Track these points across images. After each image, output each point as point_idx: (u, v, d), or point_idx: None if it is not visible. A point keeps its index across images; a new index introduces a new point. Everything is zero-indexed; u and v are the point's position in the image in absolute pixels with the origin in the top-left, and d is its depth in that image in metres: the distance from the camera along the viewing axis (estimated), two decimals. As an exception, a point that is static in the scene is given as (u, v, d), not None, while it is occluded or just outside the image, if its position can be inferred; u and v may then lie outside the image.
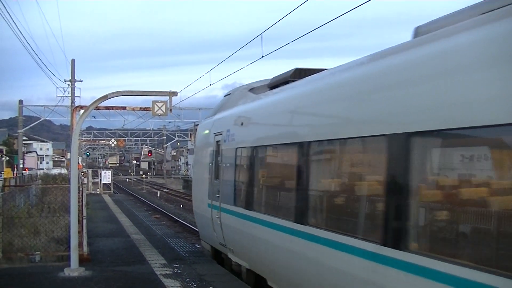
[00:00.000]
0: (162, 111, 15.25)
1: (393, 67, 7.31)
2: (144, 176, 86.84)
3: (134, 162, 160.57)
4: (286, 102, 11.08)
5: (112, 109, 19.59)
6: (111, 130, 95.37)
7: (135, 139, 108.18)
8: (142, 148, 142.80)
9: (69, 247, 14.17)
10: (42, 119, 55.26)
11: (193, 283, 12.48)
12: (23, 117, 53.70)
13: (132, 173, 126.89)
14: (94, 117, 59.29)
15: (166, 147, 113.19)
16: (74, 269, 13.55)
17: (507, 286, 4.74)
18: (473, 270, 5.21)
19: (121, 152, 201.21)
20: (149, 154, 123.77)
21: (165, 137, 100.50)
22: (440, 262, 5.65)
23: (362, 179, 8.09)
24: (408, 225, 6.31)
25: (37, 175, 51.13)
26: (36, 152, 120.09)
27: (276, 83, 12.85)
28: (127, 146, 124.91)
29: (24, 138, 62.42)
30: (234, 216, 12.89)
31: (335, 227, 8.20)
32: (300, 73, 11.70)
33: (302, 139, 9.38)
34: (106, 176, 56.29)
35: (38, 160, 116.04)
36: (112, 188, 57.60)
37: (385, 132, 6.85)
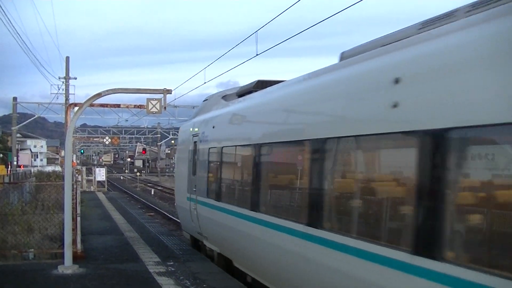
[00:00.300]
0: (156, 108, 15.26)
1: (314, 86, 9.52)
2: (138, 174, 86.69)
3: (128, 159, 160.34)
4: (245, 110, 13.12)
5: (107, 107, 19.51)
6: (106, 127, 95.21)
7: (129, 137, 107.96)
8: (136, 145, 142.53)
9: (63, 244, 14.17)
10: (36, 116, 55.10)
11: (187, 281, 12.50)
12: (17, 114, 53.53)
13: (126, 171, 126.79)
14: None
15: (160, 145, 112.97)
16: (68, 267, 13.56)
17: (380, 250, 6.69)
18: (361, 241, 7.15)
19: (115, 150, 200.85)
20: (143, 152, 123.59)
21: (160, 135, 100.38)
22: (343, 237, 7.62)
23: (292, 174, 10.23)
24: (321, 209, 8.37)
25: (31, 172, 51.03)
26: (30, 150, 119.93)
27: (242, 93, 14.59)
28: (122, 144, 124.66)
29: (18, 135, 62.29)
30: (207, 207, 14.77)
31: (277, 213, 10.24)
32: (262, 85, 13.36)
33: (254, 141, 11.41)
34: (100, 174, 56.13)
35: (32, 158, 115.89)
36: (106, 186, 57.47)
37: (308, 138, 8.87)
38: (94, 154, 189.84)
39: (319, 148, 8.45)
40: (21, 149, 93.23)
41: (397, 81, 6.65)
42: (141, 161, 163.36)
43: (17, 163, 54.86)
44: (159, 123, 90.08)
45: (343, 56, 9.21)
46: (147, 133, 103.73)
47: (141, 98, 18.22)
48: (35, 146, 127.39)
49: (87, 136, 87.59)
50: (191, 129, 17.60)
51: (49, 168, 66.97)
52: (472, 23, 6.04)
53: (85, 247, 16.24)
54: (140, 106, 17.28)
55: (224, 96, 16.11)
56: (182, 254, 16.00)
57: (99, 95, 14.81)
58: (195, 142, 16.69)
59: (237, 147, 13.17)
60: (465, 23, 6.21)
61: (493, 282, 4.97)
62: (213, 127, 15.07)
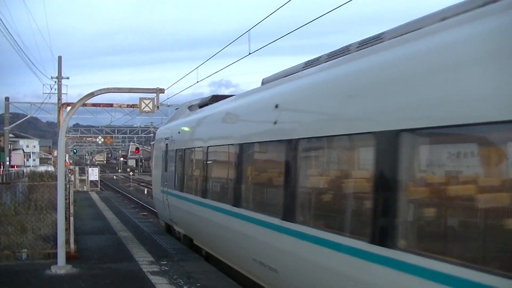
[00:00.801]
0: (149, 108, 15.22)
1: (237, 105, 13.20)
2: (131, 173, 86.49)
3: (121, 159, 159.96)
4: (199, 120, 16.73)
5: (99, 106, 19.46)
6: (98, 127, 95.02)
7: (122, 136, 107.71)
8: (129, 145, 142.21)
9: (56, 244, 14.14)
10: (28, 116, 54.91)
11: (181, 280, 12.51)
12: (9, 114, 53.32)
13: (120, 170, 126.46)
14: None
15: (153, 144, 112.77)
16: (61, 267, 13.54)
17: (265, 218, 10.03)
18: (258, 213, 10.49)
19: (108, 149, 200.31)
20: (136, 151, 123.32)
21: (153, 134, 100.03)
22: (250, 211, 10.94)
23: (226, 170, 13.31)
24: (240, 194, 11.72)
25: (23, 172, 50.82)
26: (23, 149, 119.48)
27: (201, 104, 18.10)
28: (114, 143, 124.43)
29: (11, 135, 61.96)
30: (175, 197, 18.31)
31: (218, 198, 13.54)
32: (216, 98, 16.75)
33: (204, 145, 14.97)
34: (93, 174, 55.99)
35: (24, 157, 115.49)
36: (99, 186, 57.35)
37: (233, 143, 12.34)
38: (87, 154, 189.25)
39: (238, 151, 11.90)
40: (13, 149, 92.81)
41: (276, 106, 10.04)
42: (134, 160, 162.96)
43: (9, 163, 54.69)
44: (152, 122, 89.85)
45: (263, 82, 12.69)
46: (140, 133, 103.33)
47: (133, 98, 18.44)
48: (27, 146, 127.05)
49: (80, 136, 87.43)
50: (164, 133, 21.53)
51: (42, 168, 66.65)
52: (304, 74, 9.86)
53: (78, 247, 16.21)
54: (133, 106, 17.23)
55: (190, 106, 19.54)
56: (175, 253, 16.01)
57: (91, 95, 14.75)
58: (166, 144, 20.41)
59: (193, 149, 16.62)
60: (299, 75, 10.10)
61: (324, 235, 7.96)
62: (179, 132, 18.61)
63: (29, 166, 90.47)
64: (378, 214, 6.76)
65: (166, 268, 13.85)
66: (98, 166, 71.12)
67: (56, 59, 46.73)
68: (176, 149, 18.55)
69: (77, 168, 59.84)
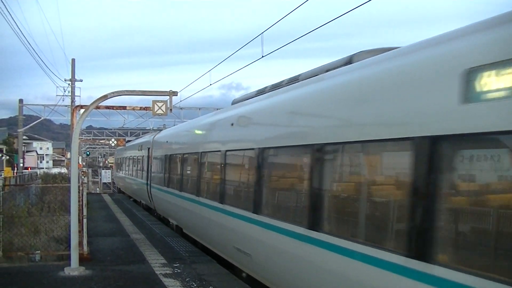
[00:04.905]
0: (162, 110, 15.28)
1: (128, 145, 45.49)
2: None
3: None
4: (122, 148, 49.51)
5: (113, 109, 19.56)
6: (111, 129, 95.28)
7: (135, 139, 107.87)
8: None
9: (69, 246, 14.20)
10: (42, 118, 55.17)
11: (193, 283, 12.50)
12: (23, 116, 53.63)
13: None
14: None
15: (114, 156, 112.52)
16: (74, 269, 13.59)
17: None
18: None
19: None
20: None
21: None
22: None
23: (128, 166, 40.53)
24: (128, 171, 41.00)
25: (37, 174, 51.12)
26: (36, 151, 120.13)
27: (127, 141, 48.43)
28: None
29: (24, 137, 62.29)
30: (118, 176, 49.23)
31: (125, 173, 41.89)
32: (129, 141, 47.02)
33: (119, 156, 50.45)
34: (106, 176, 56.28)
35: (38, 159, 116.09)
36: (112, 188, 57.57)
37: (122, 157, 47.11)
38: (100, 156, 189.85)
39: (129, 160, 39.64)
40: (27, 151, 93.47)
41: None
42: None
43: (23, 165, 55.01)
44: (164, 124, 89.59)
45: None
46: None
47: (145, 99, 18.77)
48: (41, 148, 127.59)
49: (93, 138, 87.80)
50: (117, 150, 54.17)
51: (55, 170, 66.99)
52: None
53: (91, 249, 16.25)
54: (146, 108, 17.27)
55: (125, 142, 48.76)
56: (188, 256, 16.00)
57: (105, 97, 14.80)
58: (116, 157, 54.30)
59: (120, 158, 47.46)
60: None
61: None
62: (117, 152, 52.93)
63: (43, 168, 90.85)
64: None
65: (178, 271, 13.84)
66: (111, 168, 71.38)
67: (69, 60, 47.05)
68: (118, 158, 48.99)
69: (90, 170, 60.09)
